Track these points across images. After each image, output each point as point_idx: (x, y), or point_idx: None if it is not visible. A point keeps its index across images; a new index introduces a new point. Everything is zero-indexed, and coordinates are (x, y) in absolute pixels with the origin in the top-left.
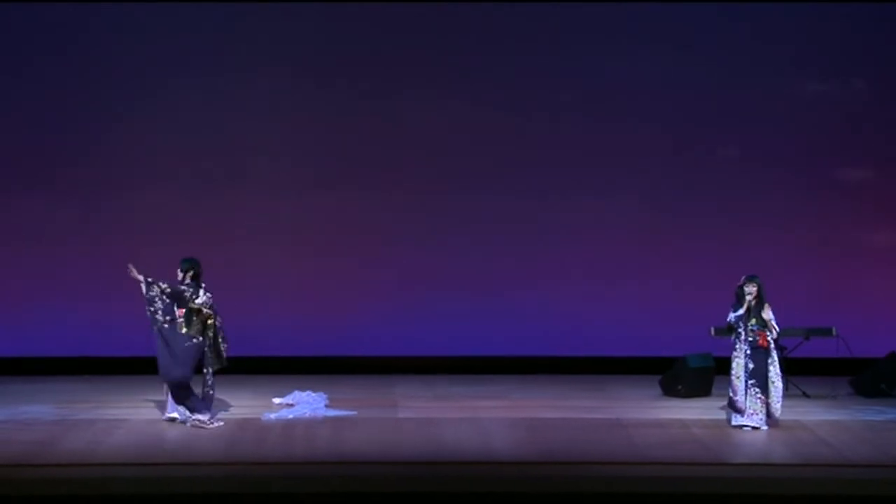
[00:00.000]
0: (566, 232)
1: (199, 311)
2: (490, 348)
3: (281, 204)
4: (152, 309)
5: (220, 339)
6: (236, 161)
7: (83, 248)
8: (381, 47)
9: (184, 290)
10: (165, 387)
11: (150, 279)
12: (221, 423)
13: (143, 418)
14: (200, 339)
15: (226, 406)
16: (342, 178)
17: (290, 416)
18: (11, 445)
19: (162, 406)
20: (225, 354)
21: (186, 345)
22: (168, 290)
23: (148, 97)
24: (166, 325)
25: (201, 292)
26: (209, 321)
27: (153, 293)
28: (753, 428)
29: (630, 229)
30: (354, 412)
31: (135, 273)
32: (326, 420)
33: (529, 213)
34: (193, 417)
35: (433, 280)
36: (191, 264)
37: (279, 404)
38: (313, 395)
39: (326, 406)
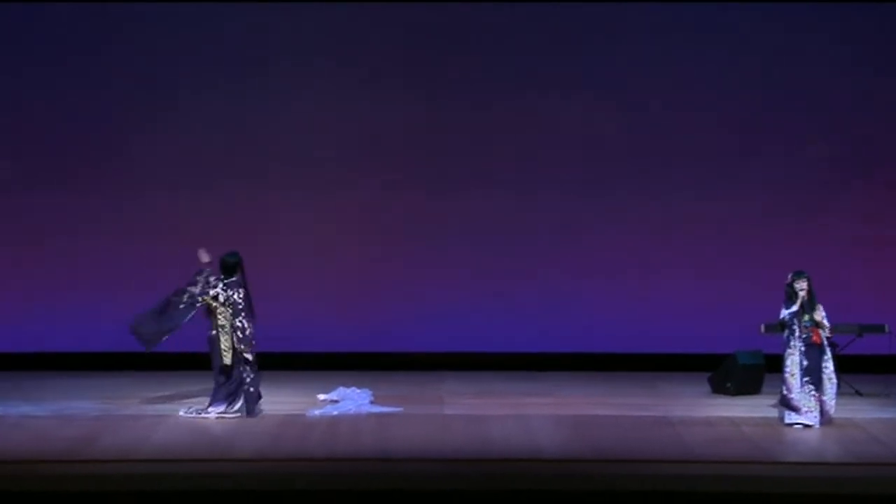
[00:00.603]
0: (616, 226)
1: (209, 302)
2: (538, 344)
3: (325, 199)
4: (191, 289)
5: (224, 338)
6: (277, 156)
7: (129, 242)
8: (400, 41)
9: (198, 282)
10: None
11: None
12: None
13: (186, 414)
14: (214, 332)
15: (269, 402)
16: (385, 172)
17: (335, 413)
18: (54, 441)
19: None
20: (226, 358)
21: (208, 336)
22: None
23: (173, 94)
24: (181, 306)
25: (220, 286)
26: (219, 315)
27: (203, 275)
28: (805, 426)
29: (681, 224)
30: (400, 409)
31: (205, 256)
32: (371, 417)
33: (576, 206)
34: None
35: (481, 275)
36: (223, 256)
37: (324, 401)
38: (358, 391)
39: (371, 402)
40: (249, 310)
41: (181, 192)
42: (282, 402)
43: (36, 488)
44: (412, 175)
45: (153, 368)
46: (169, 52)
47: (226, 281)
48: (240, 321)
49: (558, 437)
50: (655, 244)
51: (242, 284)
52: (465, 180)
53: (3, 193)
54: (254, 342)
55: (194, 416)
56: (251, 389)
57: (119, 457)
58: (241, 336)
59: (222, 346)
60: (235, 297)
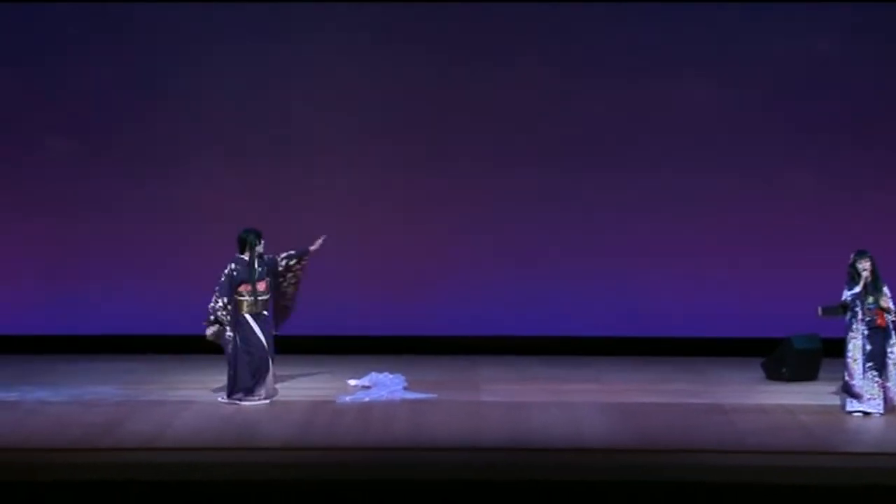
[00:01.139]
0: (664, 205)
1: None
2: (581, 328)
3: (355, 177)
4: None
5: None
6: (306, 134)
7: (148, 223)
8: (466, 12)
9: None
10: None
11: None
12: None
13: (212, 400)
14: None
15: (298, 388)
16: (418, 149)
17: (367, 399)
18: (74, 428)
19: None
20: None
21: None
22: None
23: (209, 65)
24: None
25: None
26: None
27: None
28: (865, 414)
29: (732, 204)
30: (434, 395)
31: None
32: (404, 403)
33: (623, 185)
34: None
35: (518, 256)
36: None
37: (355, 386)
38: (391, 376)
39: (405, 389)
40: (224, 287)
41: (204, 172)
42: (311, 387)
43: (53, 478)
44: (442, 149)
45: (177, 351)
46: (190, 29)
47: (237, 257)
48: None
49: (603, 426)
50: (705, 223)
51: (242, 262)
52: (503, 155)
53: (22, 171)
54: (212, 317)
55: (230, 402)
56: (231, 372)
57: (141, 445)
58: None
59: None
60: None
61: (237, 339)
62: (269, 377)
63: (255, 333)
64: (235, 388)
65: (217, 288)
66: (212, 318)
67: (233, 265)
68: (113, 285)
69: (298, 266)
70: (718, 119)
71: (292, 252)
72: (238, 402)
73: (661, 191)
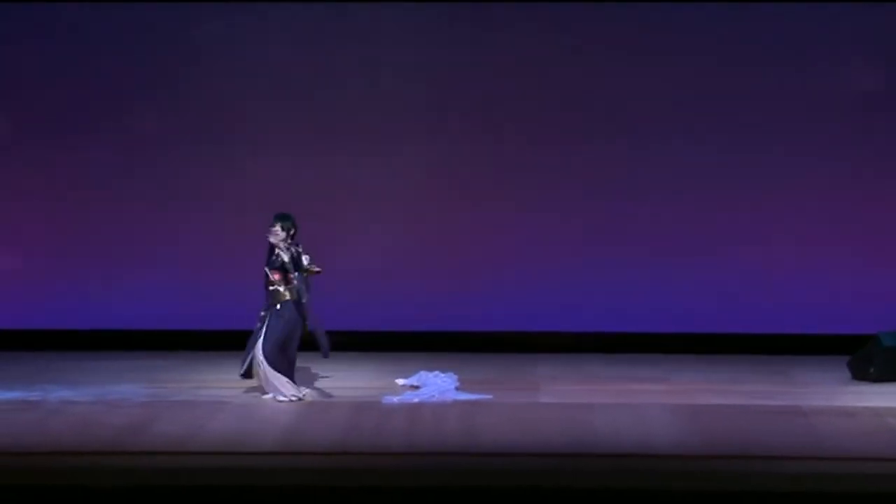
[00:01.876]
0: (736, 194)
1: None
2: (649, 323)
3: (402, 160)
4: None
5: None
6: (345, 112)
7: (178, 212)
8: None
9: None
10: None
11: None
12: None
13: (247, 400)
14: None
15: (342, 388)
16: (471, 129)
17: (416, 400)
18: (99, 429)
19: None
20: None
21: (283, 309)
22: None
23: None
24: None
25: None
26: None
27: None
28: None
29: (817, 189)
30: (490, 396)
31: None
32: (457, 405)
33: (692, 174)
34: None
35: (580, 246)
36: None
37: (403, 386)
38: (442, 375)
39: (457, 389)
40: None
41: (238, 161)
42: (355, 387)
43: (78, 482)
44: (498, 127)
45: (209, 348)
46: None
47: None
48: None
49: (674, 429)
50: (785, 211)
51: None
52: (563, 133)
53: (44, 157)
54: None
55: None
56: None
57: (171, 448)
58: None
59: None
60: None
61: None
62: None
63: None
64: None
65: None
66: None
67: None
68: (139, 278)
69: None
70: (812, 101)
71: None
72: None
73: (734, 177)
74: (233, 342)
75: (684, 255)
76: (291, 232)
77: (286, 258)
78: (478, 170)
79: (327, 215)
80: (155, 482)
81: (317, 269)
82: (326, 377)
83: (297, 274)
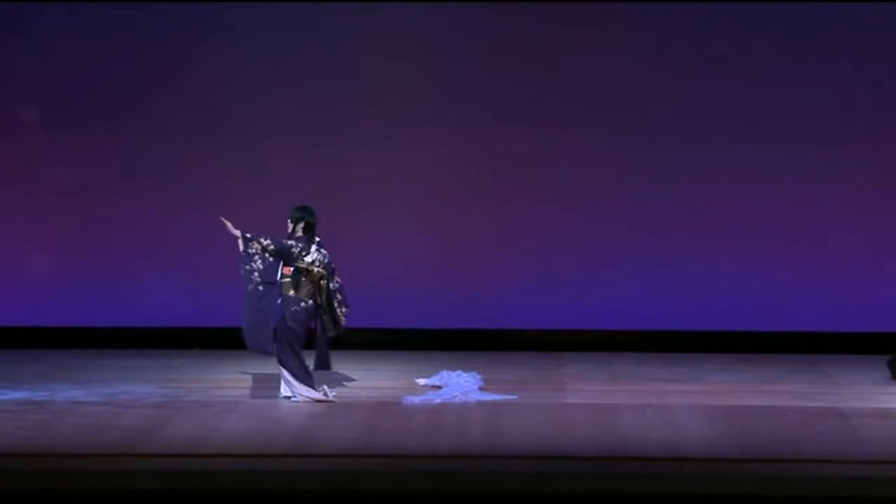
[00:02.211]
0: (783, 187)
1: (307, 270)
2: (677, 321)
3: (422, 151)
4: (248, 268)
5: (335, 304)
6: (366, 101)
7: (191, 204)
8: None
9: (291, 246)
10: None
11: (248, 234)
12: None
13: (262, 400)
14: (310, 302)
15: (360, 388)
16: (498, 117)
17: (437, 401)
18: (108, 431)
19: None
20: (344, 320)
21: (294, 309)
22: (271, 246)
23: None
24: (261, 288)
25: (313, 248)
26: (322, 282)
27: (252, 250)
28: None
29: (865, 188)
30: (514, 396)
31: (230, 227)
32: (480, 406)
33: (737, 162)
34: (304, 395)
35: (612, 238)
36: (303, 213)
37: (424, 386)
38: (465, 375)
39: (480, 389)
40: (277, 246)
41: (257, 151)
42: (374, 387)
43: (86, 486)
44: (522, 118)
45: (224, 346)
46: None
47: (316, 240)
48: (338, 282)
49: (706, 432)
50: (825, 207)
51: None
52: (590, 124)
53: (52, 150)
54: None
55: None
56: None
57: (183, 450)
58: (341, 299)
59: (338, 314)
60: (326, 257)
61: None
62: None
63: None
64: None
65: (274, 241)
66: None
67: (294, 241)
68: (151, 272)
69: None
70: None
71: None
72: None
73: (773, 173)
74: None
75: (717, 250)
76: (300, 224)
77: (276, 248)
78: (501, 164)
79: (346, 210)
80: (166, 486)
81: (315, 268)
82: (344, 379)
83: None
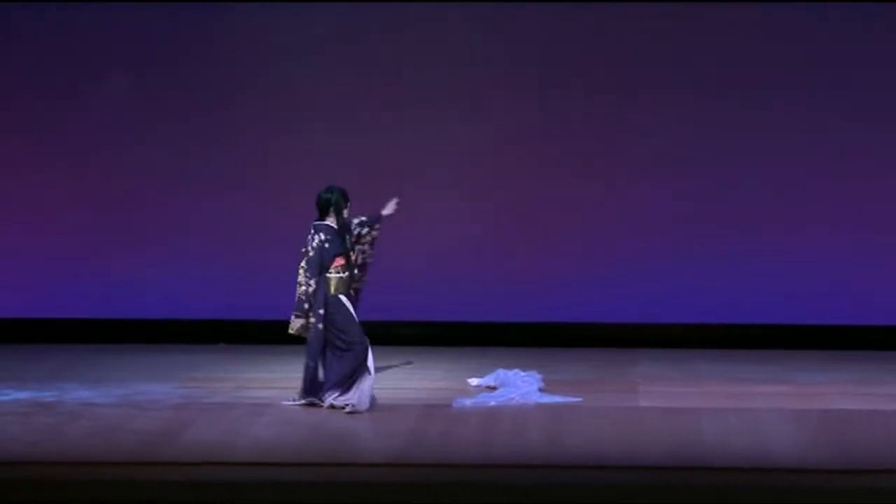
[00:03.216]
0: (882, 174)
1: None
2: (765, 315)
3: (479, 134)
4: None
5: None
6: (406, 81)
7: (211, 192)
8: None
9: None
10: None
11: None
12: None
13: (293, 403)
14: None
15: (405, 389)
16: (550, 93)
17: (492, 403)
18: (123, 436)
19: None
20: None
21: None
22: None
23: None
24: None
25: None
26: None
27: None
28: None
29: None
30: (579, 398)
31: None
32: (540, 408)
33: (806, 152)
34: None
35: (688, 226)
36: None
37: (477, 387)
38: (523, 374)
39: (541, 390)
40: (314, 264)
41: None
42: (421, 388)
43: (98, 496)
44: (594, 87)
45: (252, 341)
46: None
47: (321, 224)
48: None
49: (796, 439)
50: None
51: (329, 230)
52: (680, 89)
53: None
54: (305, 306)
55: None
56: (312, 366)
57: (205, 458)
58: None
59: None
60: (309, 245)
61: (328, 327)
62: (369, 382)
63: (353, 319)
64: (325, 387)
65: (304, 266)
66: (305, 306)
67: (321, 235)
68: (171, 261)
69: (369, 236)
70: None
71: (363, 218)
72: (322, 402)
73: (858, 156)
74: (277, 335)
75: (808, 239)
76: (329, 210)
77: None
78: (565, 145)
79: (390, 195)
80: (185, 498)
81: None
82: (387, 379)
83: (343, 260)
